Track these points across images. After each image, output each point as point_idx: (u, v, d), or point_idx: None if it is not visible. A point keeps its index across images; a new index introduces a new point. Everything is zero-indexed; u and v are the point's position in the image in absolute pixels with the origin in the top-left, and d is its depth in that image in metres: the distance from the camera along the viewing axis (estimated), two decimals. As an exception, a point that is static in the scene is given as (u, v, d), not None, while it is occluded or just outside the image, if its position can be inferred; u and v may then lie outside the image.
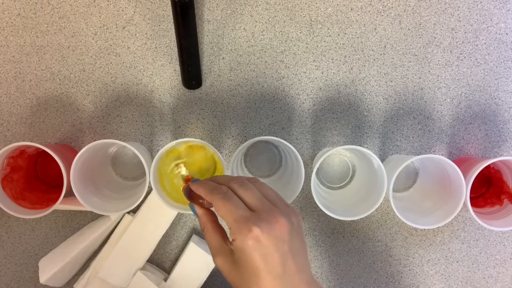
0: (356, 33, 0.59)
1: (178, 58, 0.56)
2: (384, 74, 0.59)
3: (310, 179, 0.50)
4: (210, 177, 0.42)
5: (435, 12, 0.59)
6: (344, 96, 0.59)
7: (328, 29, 0.59)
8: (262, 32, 0.59)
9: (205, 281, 0.57)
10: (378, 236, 0.60)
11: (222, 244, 0.39)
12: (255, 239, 0.35)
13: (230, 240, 0.38)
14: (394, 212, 0.50)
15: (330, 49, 0.59)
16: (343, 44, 0.59)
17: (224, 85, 0.59)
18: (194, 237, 0.59)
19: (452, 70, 0.59)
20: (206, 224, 0.40)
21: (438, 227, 0.59)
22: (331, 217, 0.57)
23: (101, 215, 0.58)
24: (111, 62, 0.58)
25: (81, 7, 0.58)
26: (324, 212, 0.50)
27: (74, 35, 0.58)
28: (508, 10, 0.59)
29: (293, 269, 0.36)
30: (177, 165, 0.57)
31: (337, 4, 0.59)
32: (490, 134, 0.59)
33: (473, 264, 0.60)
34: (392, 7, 0.59)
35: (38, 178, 0.58)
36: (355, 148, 0.50)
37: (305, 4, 0.59)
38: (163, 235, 0.57)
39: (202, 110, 0.59)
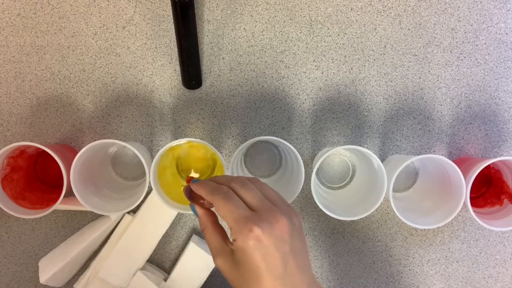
0: (356, 33, 0.59)
1: (178, 58, 0.56)
2: (384, 74, 0.59)
3: (310, 179, 0.50)
4: (210, 177, 0.42)
5: (435, 12, 0.59)
6: (344, 96, 0.59)
7: (328, 29, 0.59)
8: (262, 32, 0.59)
9: (205, 281, 0.57)
10: (378, 236, 0.60)
11: (223, 244, 0.39)
12: (256, 239, 0.35)
13: (231, 240, 0.37)
14: (394, 212, 0.50)
15: (330, 49, 0.59)
16: (343, 44, 0.59)
17: (224, 85, 0.59)
18: (194, 237, 0.59)
19: (452, 70, 0.59)
20: (207, 224, 0.40)
21: (438, 227, 0.59)
22: (331, 217, 0.57)
23: (101, 215, 0.58)
24: (111, 62, 0.58)
25: (81, 7, 0.58)
26: (324, 212, 0.50)
27: (74, 35, 0.58)
28: (508, 10, 0.59)
29: (294, 270, 0.36)
30: (177, 165, 0.57)
31: (337, 4, 0.59)
32: (490, 134, 0.59)
33: (473, 264, 0.60)
34: (392, 7, 0.59)
35: (38, 178, 0.58)
36: (355, 148, 0.50)
37: (305, 4, 0.59)
38: (163, 235, 0.57)
39: (202, 110, 0.59)
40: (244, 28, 0.59)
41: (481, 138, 0.59)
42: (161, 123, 0.59)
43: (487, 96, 0.59)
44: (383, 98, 0.59)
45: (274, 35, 0.59)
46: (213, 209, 0.41)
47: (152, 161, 0.50)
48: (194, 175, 0.57)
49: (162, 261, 0.60)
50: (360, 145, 0.59)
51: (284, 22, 0.59)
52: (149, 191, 0.58)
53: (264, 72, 0.59)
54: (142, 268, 0.57)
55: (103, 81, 0.59)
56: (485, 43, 0.59)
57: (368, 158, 0.52)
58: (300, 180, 0.50)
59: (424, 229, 0.60)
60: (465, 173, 0.51)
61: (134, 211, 0.57)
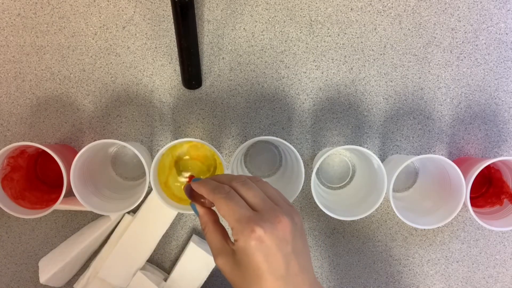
0: (356, 33, 0.59)
1: (178, 58, 0.56)
2: (384, 74, 0.59)
3: (310, 179, 0.50)
4: (211, 176, 0.41)
5: (435, 12, 0.59)
6: (344, 96, 0.59)
7: (328, 29, 0.59)
8: (262, 32, 0.59)
9: (205, 281, 0.57)
10: (378, 236, 0.60)
11: (224, 244, 0.38)
12: (258, 239, 0.35)
13: (232, 240, 0.37)
14: (394, 212, 0.50)
15: (330, 49, 0.59)
16: (343, 44, 0.59)
17: (224, 85, 0.59)
18: (194, 237, 0.59)
19: (452, 70, 0.59)
20: (207, 224, 0.40)
21: (438, 227, 0.59)
22: (331, 217, 0.57)
23: (101, 215, 0.58)
24: (111, 62, 0.58)
25: (81, 7, 0.58)
26: (324, 212, 0.50)
27: (74, 35, 0.58)
28: (508, 10, 0.59)
29: (296, 270, 0.36)
30: (177, 165, 0.57)
31: (337, 4, 0.59)
32: (490, 134, 0.59)
33: (473, 264, 0.60)
34: (392, 7, 0.59)
35: (38, 178, 0.58)
36: (355, 148, 0.50)
37: (305, 4, 0.59)
38: (163, 235, 0.57)
39: (202, 110, 0.59)
40: (244, 28, 0.59)
41: (481, 138, 0.59)
42: (161, 123, 0.59)
43: (487, 96, 0.59)
44: (383, 98, 0.59)
45: (274, 35, 0.59)
46: (214, 208, 0.41)
47: (152, 161, 0.50)
48: (194, 175, 0.57)
49: (162, 261, 0.60)
50: (360, 145, 0.59)
51: (284, 22, 0.59)
52: (149, 191, 0.58)
53: (264, 72, 0.59)
54: (142, 268, 0.57)
55: (103, 81, 0.59)
56: (485, 43, 0.59)
57: (368, 158, 0.52)
58: (300, 180, 0.50)
59: (424, 229, 0.60)
60: (465, 173, 0.51)
61: (134, 211, 0.57)
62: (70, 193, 0.49)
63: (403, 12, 0.59)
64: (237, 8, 0.59)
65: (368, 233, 0.60)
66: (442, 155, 0.58)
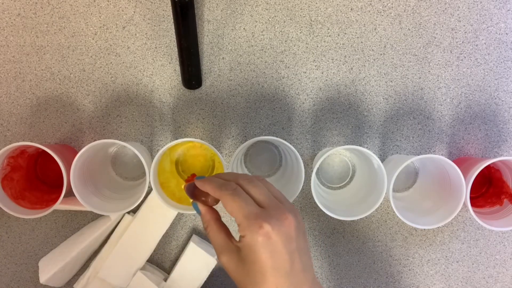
0: (356, 33, 0.59)
1: (178, 58, 0.56)
2: (384, 74, 0.59)
3: (310, 179, 0.50)
4: (216, 174, 0.41)
5: (435, 12, 0.59)
6: (344, 96, 0.59)
7: (328, 29, 0.59)
8: (262, 32, 0.59)
9: (205, 281, 0.57)
10: (378, 236, 0.60)
11: (227, 241, 0.38)
12: (265, 235, 0.35)
13: (238, 236, 0.37)
14: (394, 212, 0.50)
15: (330, 49, 0.59)
16: (343, 44, 0.59)
17: (224, 85, 0.59)
18: (194, 237, 0.59)
19: (452, 70, 0.59)
20: (210, 222, 0.40)
21: (438, 227, 0.59)
22: (331, 217, 0.57)
23: (101, 215, 0.58)
24: (111, 62, 0.58)
25: (81, 7, 0.58)
26: (324, 212, 0.50)
27: (74, 35, 0.58)
28: (508, 10, 0.59)
29: (299, 268, 0.36)
30: (177, 165, 0.57)
31: (337, 4, 0.59)
32: (490, 134, 0.59)
33: (473, 264, 0.60)
34: (392, 7, 0.59)
35: (38, 178, 0.58)
36: (355, 148, 0.50)
37: (305, 4, 0.59)
38: (163, 235, 0.57)
39: (202, 110, 0.59)
40: (244, 28, 0.59)
41: (481, 138, 0.59)
42: (161, 123, 0.59)
43: (487, 96, 0.59)
44: (383, 98, 0.59)
45: (274, 35, 0.59)
46: (217, 206, 0.41)
47: (152, 161, 0.50)
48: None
49: (162, 261, 0.60)
50: (360, 145, 0.59)
51: (284, 22, 0.59)
52: (149, 191, 0.58)
53: (264, 72, 0.59)
54: (142, 268, 0.57)
55: (103, 81, 0.59)
56: (485, 43, 0.59)
57: (368, 158, 0.52)
58: (300, 180, 0.50)
59: (424, 229, 0.60)
60: (465, 173, 0.51)
61: (134, 211, 0.57)
62: (70, 193, 0.49)
63: (403, 12, 0.59)
64: (237, 8, 0.59)
65: (368, 233, 0.60)
66: (442, 155, 0.58)
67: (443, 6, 0.59)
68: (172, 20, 0.53)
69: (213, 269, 0.57)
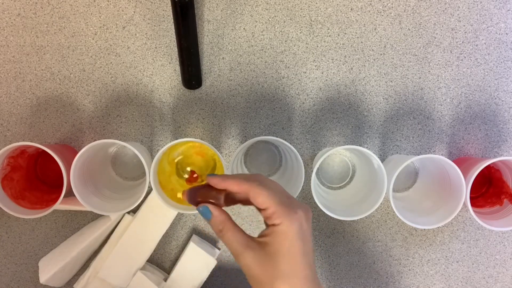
0: (356, 33, 0.59)
1: (178, 58, 0.56)
2: (384, 74, 0.59)
3: (310, 179, 0.50)
4: (223, 175, 0.40)
5: (435, 12, 0.59)
6: (344, 96, 0.59)
7: (328, 29, 0.59)
8: (262, 32, 0.59)
9: (205, 281, 0.57)
10: (378, 236, 0.60)
11: (249, 239, 0.37)
12: (299, 222, 0.36)
13: (274, 223, 0.36)
14: (394, 212, 0.50)
15: (330, 49, 0.59)
16: (343, 44, 0.59)
17: (224, 85, 0.59)
18: (194, 237, 0.59)
19: (452, 70, 0.59)
20: (226, 223, 0.38)
21: (438, 227, 0.59)
22: (331, 217, 0.57)
23: (101, 215, 0.58)
24: (111, 62, 0.58)
25: (81, 7, 0.58)
26: (324, 212, 0.50)
27: (74, 35, 0.58)
28: (508, 10, 0.59)
29: (314, 258, 0.38)
30: (177, 165, 0.57)
31: (337, 4, 0.59)
32: (490, 134, 0.59)
33: (473, 264, 0.60)
34: (392, 7, 0.59)
35: (38, 178, 0.58)
36: (355, 148, 0.50)
37: (305, 4, 0.59)
38: (163, 235, 0.57)
39: (202, 110, 0.59)
40: (244, 28, 0.59)
41: (481, 138, 0.59)
42: (161, 123, 0.59)
43: (487, 96, 0.59)
44: (383, 98, 0.59)
45: (274, 35, 0.59)
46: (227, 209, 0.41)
47: (152, 161, 0.50)
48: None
49: (162, 261, 0.60)
50: (360, 145, 0.59)
51: (284, 22, 0.59)
52: (149, 191, 0.58)
53: (264, 72, 0.59)
54: (142, 268, 0.57)
55: (103, 81, 0.59)
56: (485, 43, 0.59)
57: (368, 158, 0.52)
58: (300, 180, 0.50)
59: (424, 229, 0.60)
60: (465, 173, 0.51)
61: (134, 211, 0.57)
62: (70, 193, 0.49)
63: (403, 12, 0.59)
64: (237, 8, 0.59)
65: (368, 233, 0.60)
66: (442, 155, 0.58)
67: (443, 6, 0.59)
68: (172, 20, 0.53)
69: (213, 269, 0.57)
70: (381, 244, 0.60)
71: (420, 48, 0.59)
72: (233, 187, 0.38)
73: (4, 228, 0.59)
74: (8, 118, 0.58)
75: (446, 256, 0.60)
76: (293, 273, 0.35)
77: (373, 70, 0.59)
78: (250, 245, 0.37)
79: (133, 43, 0.58)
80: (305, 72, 0.59)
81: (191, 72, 0.56)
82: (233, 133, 0.59)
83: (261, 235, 0.37)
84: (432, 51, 0.59)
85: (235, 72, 0.59)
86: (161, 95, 0.59)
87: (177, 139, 0.51)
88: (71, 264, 0.56)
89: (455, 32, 0.59)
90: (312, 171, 0.51)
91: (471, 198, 0.51)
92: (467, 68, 0.59)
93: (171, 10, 0.56)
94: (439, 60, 0.59)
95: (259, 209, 0.38)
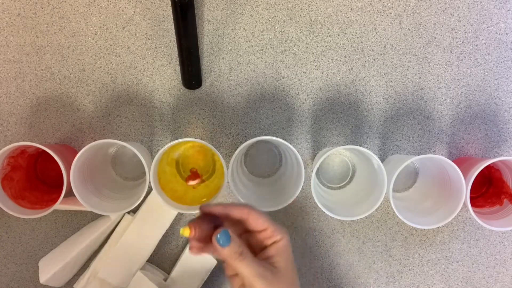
0: (356, 33, 0.59)
1: (178, 58, 0.56)
2: (384, 74, 0.59)
3: (310, 179, 0.50)
4: (219, 203, 0.41)
5: (435, 12, 0.59)
6: (344, 96, 0.59)
7: (328, 29, 0.59)
8: (262, 32, 0.59)
9: (205, 281, 0.57)
10: (378, 236, 0.60)
11: (265, 264, 0.39)
12: (288, 235, 0.40)
13: (276, 239, 0.40)
14: (394, 212, 0.50)
15: (330, 49, 0.59)
16: (343, 44, 0.59)
17: (224, 85, 0.59)
18: (194, 237, 0.59)
19: (452, 70, 0.59)
20: (246, 250, 0.38)
21: (438, 227, 0.59)
22: (331, 217, 0.57)
23: (101, 215, 0.58)
24: (111, 62, 0.58)
25: (81, 7, 0.58)
26: (324, 212, 0.50)
27: (74, 35, 0.58)
28: (508, 10, 0.59)
29: None
30: (177, 165, 0.57)
31: (337, 4, 0.59)
32: (490, 134, 0.59)
33: (473, 264, 0.60)
34: (392, 7, 0.59)
35: (38, 178, 0.58)
36: (355, 148, 0.50)
37: (305, 4, 0.59)
38: (163, 235, 0.57)
39: (202, 110, 0.59)
40: (244, 28, 0.59)
41: (481, 138, 0.59)
42: (161, 123, 0.59)
43: (487, 96, 0.59)
44: (383, 98, 0.59)
45: (274, 35, 0.59)
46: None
47: (152, 161, 0.50)
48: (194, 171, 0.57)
49: (162, 261, 0.60)
50: (360, 145, 0.59)
51: (284, 22, 0.59)
52: (149, 191, 0.58)
53: (264, 72, 0.59)
54: (142, 268, 0.57)
55: (103, 81, 0.59)
56: (485, 43, 0.59)
57: (368, 158, 0.52)
58: (300, 180, 0.50)
59: (424, 229, 0.60)
60: (465, 173, 0.51)
61: (134, 211, 0.57)
62: (70, 193, 0.49)
63: (403, 12, 0.59)
64: (237, 8, 0.59)
65: (368, 233, 0.60)
66: (442, 155, 0.58)
67: (443, 6, 0.59)
68: (172, 20, 0.53)
69: (213, 269, 0.57)
70: (381, 244, 0.60)
71: (420, 48, 0.59)
72: (235, 212, 0.40)
73: (4, 228, 0.59)
74: (8, 118, 0.58)
75: (446, 256, 0.60)
76: (292, 281, 0.40)
77: (373, 70, 0.59)
78: (269, 268, 0.38)
79: (133, 43, 0.58)
80: (305, 72, 0.59)
81: (191, 72, 0.56)
82: (233, 133, 0.59)
83: (267, 257, 0.39)
84: (432, 51, 0.59)
85: (235, 72, 0.59)
86: (161, 95, 0.59)
87: (177, 139, 0.51)
88: (71, 264, 0.56)
89: (455, 32, 0.59)
90: (312, 171, 0.51)
91: (471, 198, 0.51)
92: (467, 68, 0.59)
93: (171, 10, 0.56)
94: (439, 60, 0.59)
95: (253, 232, 0.41)
